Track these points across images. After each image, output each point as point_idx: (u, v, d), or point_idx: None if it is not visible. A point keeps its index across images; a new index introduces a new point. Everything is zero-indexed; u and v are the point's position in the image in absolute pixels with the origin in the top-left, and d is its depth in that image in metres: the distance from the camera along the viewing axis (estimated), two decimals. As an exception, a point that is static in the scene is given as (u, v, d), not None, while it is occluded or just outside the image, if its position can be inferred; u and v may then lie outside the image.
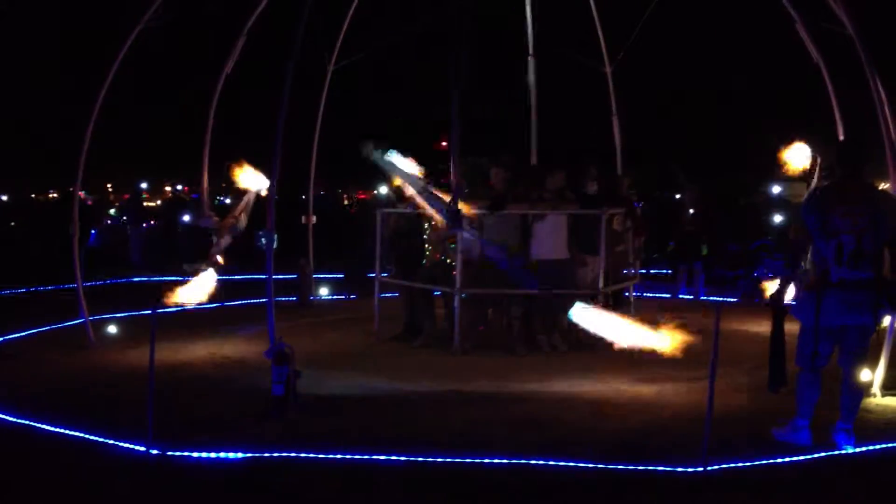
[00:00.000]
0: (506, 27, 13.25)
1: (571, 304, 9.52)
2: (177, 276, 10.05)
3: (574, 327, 9.62)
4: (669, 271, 15.69)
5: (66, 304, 10.77)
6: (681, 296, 13.92)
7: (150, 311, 6.66)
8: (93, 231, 19.41)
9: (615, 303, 10.27)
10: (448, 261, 9.89)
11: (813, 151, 8.16)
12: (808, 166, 8.23)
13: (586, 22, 12.93)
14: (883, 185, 7.69)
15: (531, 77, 13.13)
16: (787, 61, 11.55)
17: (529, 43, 13.11)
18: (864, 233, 5.82)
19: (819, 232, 5.93)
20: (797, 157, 8.21)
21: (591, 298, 8.78)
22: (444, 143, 11.14)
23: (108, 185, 35.22)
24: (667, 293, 14.05)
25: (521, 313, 9.67)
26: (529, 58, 13.15)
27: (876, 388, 7.47)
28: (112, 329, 10.39)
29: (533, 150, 13.24)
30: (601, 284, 9.69)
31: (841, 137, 8.82)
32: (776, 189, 20.17)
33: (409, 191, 9.11)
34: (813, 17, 8.64)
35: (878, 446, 6.15)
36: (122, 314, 11.21)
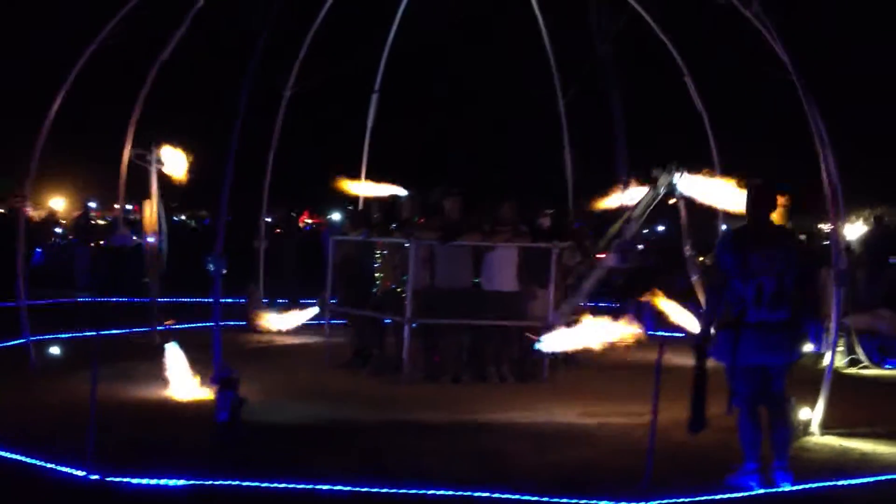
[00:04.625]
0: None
1: (520, 336, 9.67)
2: (122, 297, 9.96)
3: (523, 359, 9.73)
4: (617, 305, 15.82)
5: (7, 323, 10.55)
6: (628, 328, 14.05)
7: (93, 334, 6.57)
8: (38, 249, 19.07)
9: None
10: (398, 289, 9.90)
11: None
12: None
13: (541, 55, 13.13)
14: (824, 226, 7.89)
15: (371, 115, 13.33)
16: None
17: (377, 79, 13.30)
18: (783, 275, 5.95)
19: (738, 273, 6.01)
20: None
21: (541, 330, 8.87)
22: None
23: (56, 200, 34.63)
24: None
25: (470, 343, 9.71)
26: (374, 94, 13.35)
27: (815, 427, 7.59)
28: (55, 351, 10.20)
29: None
30: (550, 316, 9.76)
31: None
32: (723, 226, 20.45)
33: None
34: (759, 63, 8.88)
35: (816, 485, 6.24)
36: (66, 335, 11.01)
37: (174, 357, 8.45)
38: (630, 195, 9.06)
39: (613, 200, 9.10)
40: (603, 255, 8.96)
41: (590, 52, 11.42)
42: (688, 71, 11.31)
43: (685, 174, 8.31)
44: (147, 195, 10.53)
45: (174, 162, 9.78)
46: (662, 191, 8.46)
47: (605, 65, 7.08)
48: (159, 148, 10.30)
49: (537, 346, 7.18)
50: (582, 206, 12.24)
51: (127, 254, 15.90)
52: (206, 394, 7.19)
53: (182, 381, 8.21)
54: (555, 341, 7.04)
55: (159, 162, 10.27)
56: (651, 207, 8.69)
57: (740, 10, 8.58)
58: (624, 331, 6.37)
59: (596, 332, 6.66)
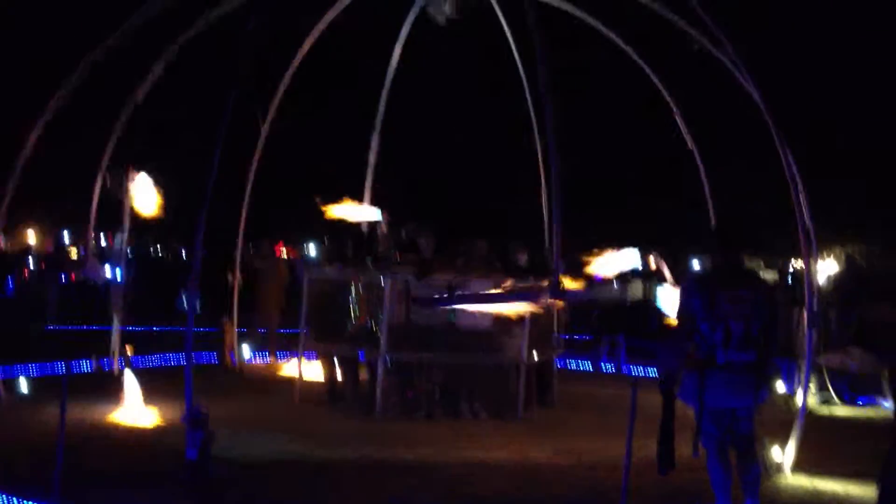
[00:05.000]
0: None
1: (494, 373, 9.66)
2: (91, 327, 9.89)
3: (497, 395, 9.70)
4: (590, 337, 15.84)
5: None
6: (602, 365, 14.09)
7: (61, 364, 6.50)
8: (9, 278, 18.85)
9: (539, 372, 10.35)
10: (373, 325, 9.87)
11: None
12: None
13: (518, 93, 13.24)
14: (797, 264, 7.97)
15: (372, 153, 13.39)
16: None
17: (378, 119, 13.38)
18: (750, 317, 5.98)
19: (706, 315, 6.01)
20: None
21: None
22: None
23: (28, 231, 34.16)
24: (588, 363, 14.19)
25: (444, 379, 9.67)
26: (374, 134, 13.43)
27: (787, 468, 7.60)
28: (23, 384, 10.06)
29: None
30: (524, 354, 9.76)
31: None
32: (695, 264, 20.60)
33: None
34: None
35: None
36: (34, 367, 10.86)
37: (132, 384, 8.39)
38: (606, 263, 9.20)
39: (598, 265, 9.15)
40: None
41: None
42: (677, 108, 11.36)
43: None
44: (119, 226, 10.42)
45: (145, 195, 9.69)
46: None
47: (546, 107, 7.18)
48: (133, 175, 10.17)
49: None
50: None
51: (97, 286, 15.82)
52: (175, 423, 7.10)
53: (138, 410, 8.13)
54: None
55: (131, 190, 10.14)
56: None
57: (713, 52, 8.73)
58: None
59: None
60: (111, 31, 9.12)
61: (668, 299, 7.02)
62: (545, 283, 8.40)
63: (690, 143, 11.33)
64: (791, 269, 16.21)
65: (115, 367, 10.67)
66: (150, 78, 10.23)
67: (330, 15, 11.68)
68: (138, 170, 9.95)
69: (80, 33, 9.53)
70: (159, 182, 9.76)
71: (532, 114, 13.20)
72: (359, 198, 12.52)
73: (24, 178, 9.55)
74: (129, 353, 10.55)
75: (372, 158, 13.48)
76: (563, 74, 10.19)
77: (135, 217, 10.61)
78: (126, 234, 10.37)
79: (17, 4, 18.81)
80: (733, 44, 8.12)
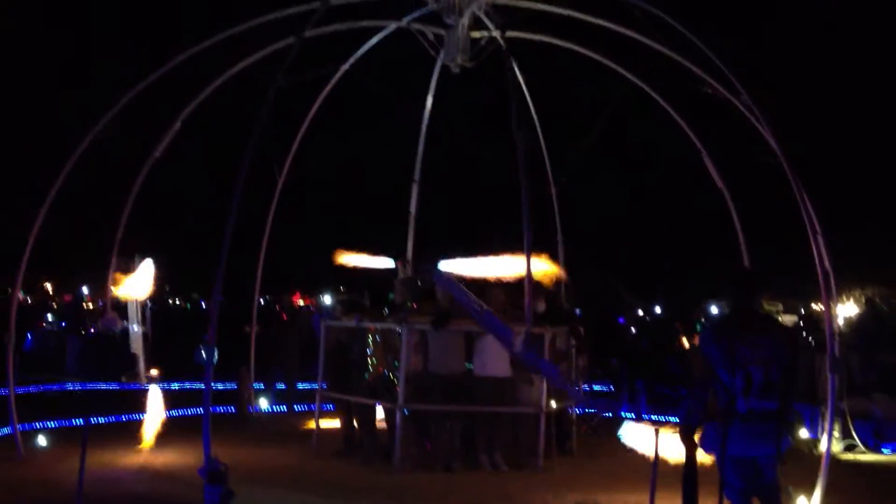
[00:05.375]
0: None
1: (513, 422, 9.57)
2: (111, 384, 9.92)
3: (516, 445, 9.60)
4: (612, 388, 15.75)
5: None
6: (623, 414, 13.95)
7: (82, 422, 6.49)
8: (28, 334, 18.99)
9: (558, 421, 10.25)
10: (390, 375, 9.82)
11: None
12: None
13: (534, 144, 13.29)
14: (817, 306, 7.92)
15: (413, 202, 13.41)
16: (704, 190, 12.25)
17: (417, 168, 13.44)
18: (770, 363, 5.92)
19: (725, 364, 5.95)
20: None
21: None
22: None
23: (47, 284, 34.32)
24: (608, 411, 14.06)
25: (463, 430, 9.59)
26: (414, 183, 13.47)
27: (813, 516, 7.48)
28: (42, 440, 10.06)
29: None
30: (544, 402, 9.68)
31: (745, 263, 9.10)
32: (714, 309, 20.53)
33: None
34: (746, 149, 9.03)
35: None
36: (54, 423, 10.87)
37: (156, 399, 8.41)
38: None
39: None
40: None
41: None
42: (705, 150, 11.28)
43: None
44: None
45: (140, 283, 9.84)
46: None
47: (520, 154, 7.23)
48: (140, 261, 10.31)
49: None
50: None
51: (115, 339, 15.88)
52: (193, 476, 7.07)
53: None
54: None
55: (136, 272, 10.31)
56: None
57: (730, 99, 8.76)
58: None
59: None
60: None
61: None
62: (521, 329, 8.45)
63: (720, 184, 11.16)
64: (810, 313, 16.12)
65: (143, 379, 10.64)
66: (168, 136, 10.38)
67: (343, 67, 11.83)
68: (143, 256, 10.08)
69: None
70: (161, 268, 9.90)
71: (546, 159, 13.26)
72: (396, 247, 12.57)
73: (43, 231, 9.65)
74: (156, 374, 10.57)
75: (413, 208, 13.49)
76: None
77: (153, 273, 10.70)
78: (138, 310, 10.51)
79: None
80: (750, 92, 8.16)
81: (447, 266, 9.19)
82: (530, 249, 7.77)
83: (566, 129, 13.41)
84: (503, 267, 8.55)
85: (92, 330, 18.58)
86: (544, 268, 8.14)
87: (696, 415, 6.12)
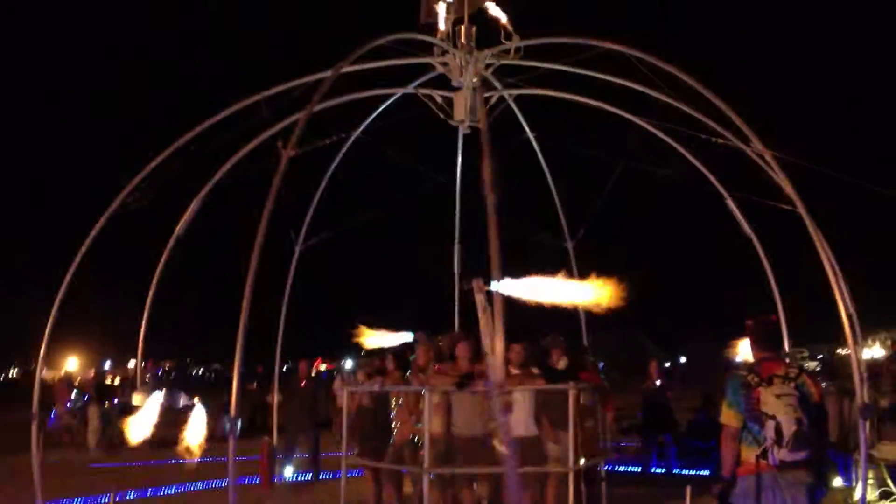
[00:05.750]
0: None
1: (541, 482, 9.42)
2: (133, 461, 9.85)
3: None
4: (640, 443, 15.52)
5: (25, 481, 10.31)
6: (652, 469, 13.72)
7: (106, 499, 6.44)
8: (52, 412, 19.02)
9: (587, 479, 10.09)
10: (416, 439, 9.72)
11: None
12: None
13: (547, 198, 13.32)
14: (842, 351, 7.82)
15: (457, 263, 13.41)
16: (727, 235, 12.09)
17: (456, 229, 13.48)
18: (798, 412, 5.81)
19: (753, 415, 5.87)
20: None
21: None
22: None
23: (70, 362, 34.55)
24: (637, 466, 13.84)
25: (489, 492, 9.45)
26: (457, 244, 13.49)
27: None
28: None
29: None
30: (571, 460, 9.53)
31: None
32: (739, 358, 20.24)
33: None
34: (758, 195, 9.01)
35: None
36: (79, 500, 10.80)
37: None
38: None
39: None
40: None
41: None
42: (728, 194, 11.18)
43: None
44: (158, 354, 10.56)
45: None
46: None
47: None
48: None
49: None
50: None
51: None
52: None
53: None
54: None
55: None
56: None
57: (741, 147, 8.77)
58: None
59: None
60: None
61: None
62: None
63: (747, 229, 11.03)
64: (836, 355, 15.90)
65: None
66: (189, 216, 10.48)
67: (355, 133, 11.97)
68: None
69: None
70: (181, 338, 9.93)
71: (561, 214, 13.28)
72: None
73: (65, 308, 9.70)
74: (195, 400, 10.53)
75: (457, 268, 13.50)
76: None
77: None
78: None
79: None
80: (762, 137, 8.17)
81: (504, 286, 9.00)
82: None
83: (580, 183, 13.45)
84: (565, 291, 8.28)
85: (115, 401, 18.62)
86: (603, 293, 7.87)
87: (729, 468, 6.01)
